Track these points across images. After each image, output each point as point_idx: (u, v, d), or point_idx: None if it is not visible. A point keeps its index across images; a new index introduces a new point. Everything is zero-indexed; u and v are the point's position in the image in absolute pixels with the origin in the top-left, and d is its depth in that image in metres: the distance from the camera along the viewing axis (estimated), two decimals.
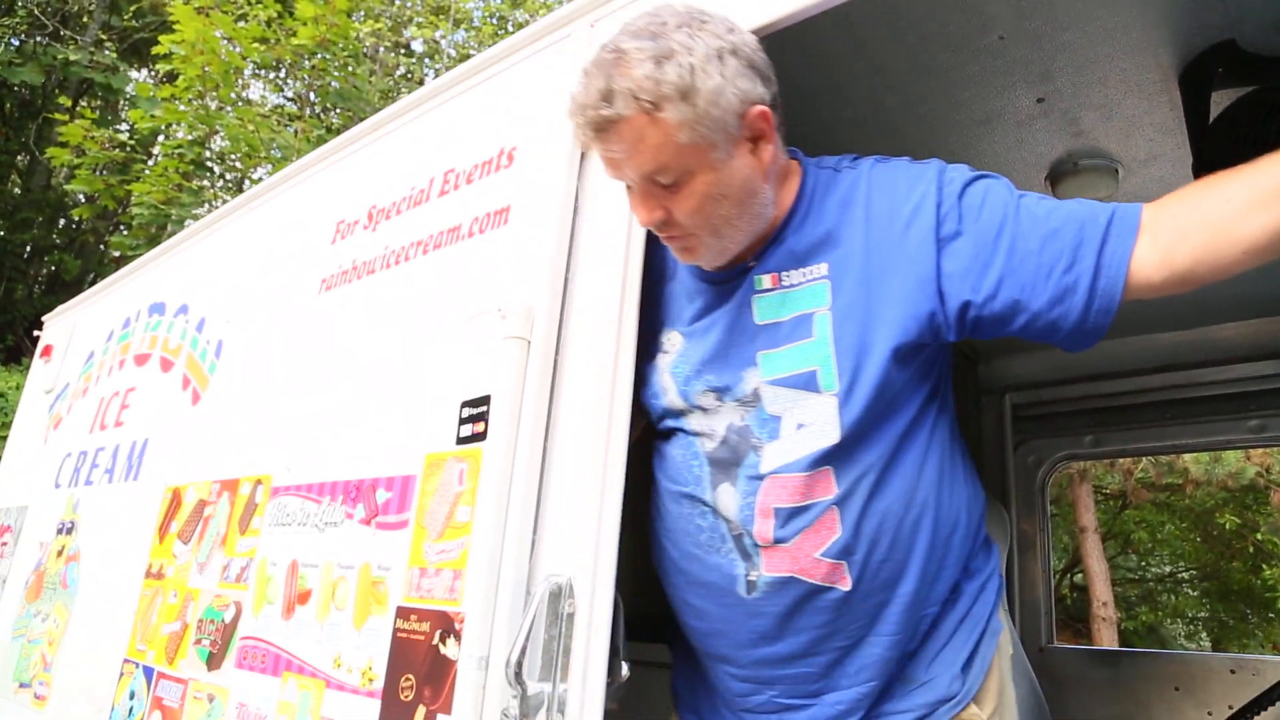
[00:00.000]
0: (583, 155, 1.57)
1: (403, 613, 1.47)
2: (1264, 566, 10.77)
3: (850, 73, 1.90)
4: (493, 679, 1.27)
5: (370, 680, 1.48)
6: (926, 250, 1.24)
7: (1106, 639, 10.20)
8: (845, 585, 1.28)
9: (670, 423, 1.41)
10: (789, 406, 1.28)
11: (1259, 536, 10.19)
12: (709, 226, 1.25)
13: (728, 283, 1.36)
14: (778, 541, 1.27)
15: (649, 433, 1.49)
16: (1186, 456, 8.43)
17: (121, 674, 2.19)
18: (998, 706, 1.41)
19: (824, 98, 2.01)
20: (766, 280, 1.33)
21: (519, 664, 1.20)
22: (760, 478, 1.28)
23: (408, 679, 1.41)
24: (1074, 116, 2.03)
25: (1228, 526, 10.24)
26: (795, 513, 1.26)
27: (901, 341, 1.25)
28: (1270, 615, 10.99)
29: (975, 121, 2.06)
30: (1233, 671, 2.77)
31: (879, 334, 1.25)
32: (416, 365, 1.68)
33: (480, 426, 1.46)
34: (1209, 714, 2.74)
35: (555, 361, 1.44)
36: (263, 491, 1.95)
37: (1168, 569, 13.49)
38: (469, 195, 1.75)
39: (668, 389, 1.40)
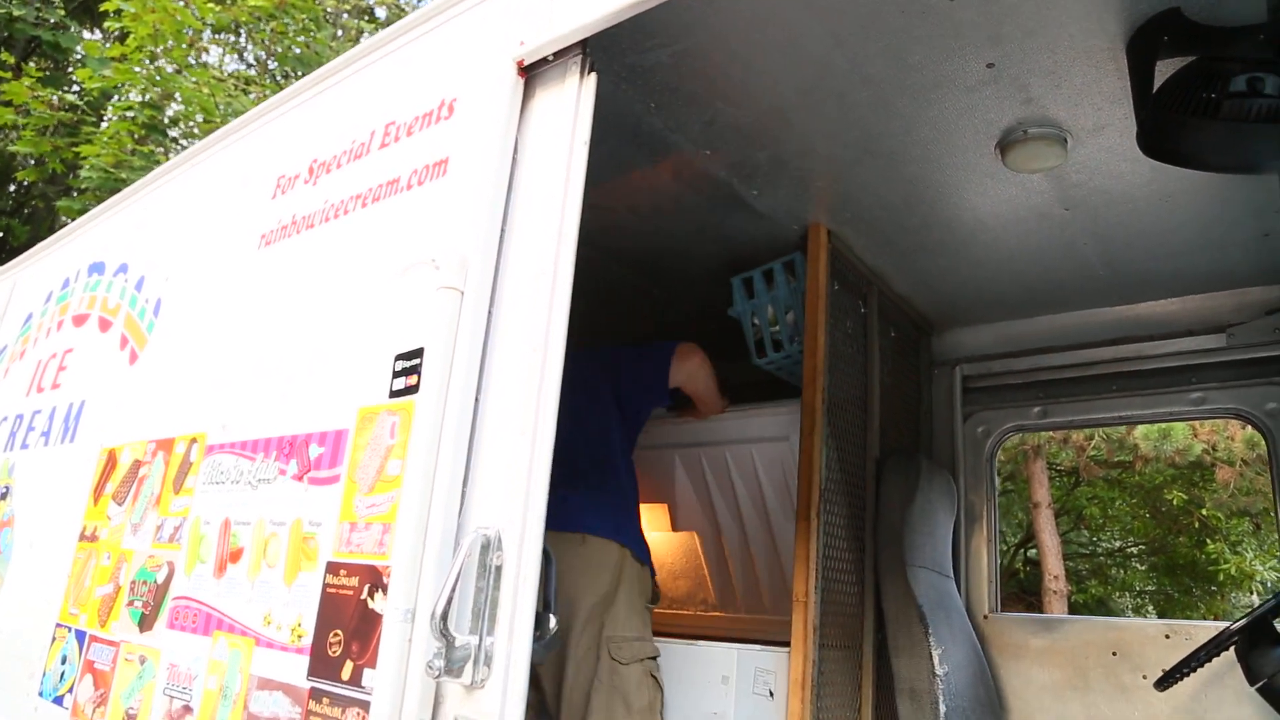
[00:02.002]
0: (523, 105, 1.54)
1: (332, 568, 1.45)
2: (1208, 541, 11.07)
3: (799, 30, 1.88)
4: (419, 632, 1.25)
5: (299, 636, 1.46)
6: None
7: (1057, 612, 10.44)
8: None
9: None
10: None
11: (1204, 512, 10.46)
12: None
13: None
14: None
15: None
16: (1137, 433, 8.61)
17: (54, 639, 2.14)
18: None
19: (774, 57, 1.98)
20: None
21: (444, 616, 1.19)
22: None
23: (336, 634, 1.39)
24: (1023, 83, 2.03)
25: (1175, 502, 10.49)
26: None
27: None
28: (1212, 588, 11.31)
29: (926, 85, 2.05)
30: (1167, 636, 2.84)
31: None
32: (353, 319, 1.65)
33: (413, 379, 1.43)
34: (1144, 677, 2.81)
35: (490, 312, 1.42)
36: (197, 450, 1.90)
37: (1118, 544, 13.82)
38: (409, 147, 1.71)
39: None
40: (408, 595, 1.28)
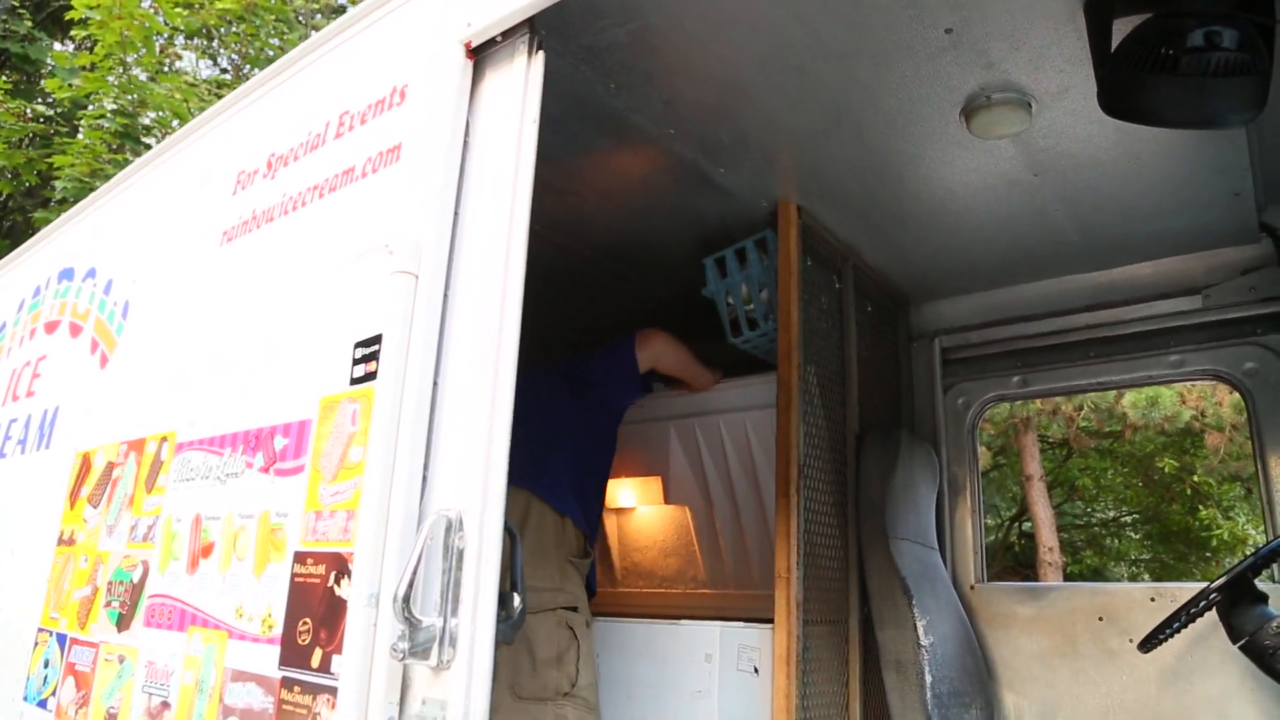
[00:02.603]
0: (473, 87, 1.53)
1: (300, 557, 1.44)
2: (1200, 507, 11.13)
3: (755, 3, 1.87)
4: (384, 616, 1.25)
5: (270, 627, 1.45)
6: None
7: (1053, 583, 10.49)
8: None
9: None
10: None
11: (1195, 479, 10.51)
12: None
13: None
14: None
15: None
16: (1125, 401, 8.64)
17: (36, 643, 2.13)
18: None
19: (730, 31, 1.98)
20: None
21: (406, 599, 1.18)
22: None
23: (305, 623, 1.39)
24: (983, 48, 2.02)
25: (1167, 470, 10.55)
26: None
27: None
28: (1206, 554, 11.38)
29: (886, 54, 2.04)
30: (1152, 600, 2.85)
31: None
32: (313, 310, 1.65)
33: (372, 366, 1.43)
34: (1130, 640, 2.82)
35: (446, 295, 1.42)
36: (168, 449, 1.90)
37: (1111, 514, 13.89)
38: (363, 135, 1.70)
39: None
40: (371, 580, 1.27)
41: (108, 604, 1.91)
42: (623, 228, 2.96)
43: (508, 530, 1.39)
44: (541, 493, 2.47)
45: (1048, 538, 10.97)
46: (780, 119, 2.32)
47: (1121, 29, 1.82)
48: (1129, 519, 13.90)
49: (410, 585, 1.19)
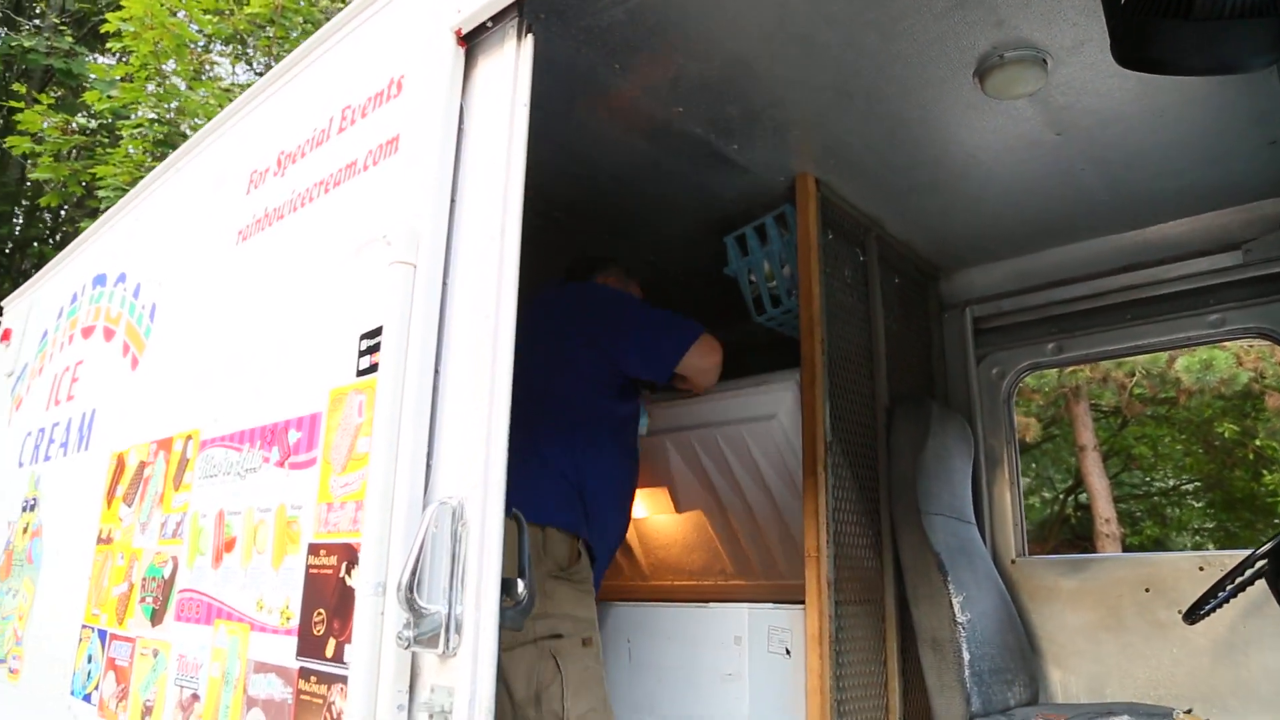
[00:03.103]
0: (466, 74, 1.53)
1: (314, 549, 1.46)
2: (1264, 472, 10.78)
3: None
4: (391, 604, 1.26)
5: (288, 619, 1.48)
6: None
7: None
8: None
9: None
10: None
11: (1258, 442, 10.18)
12: None
13: None
14: None
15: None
16: (1178, 366, 8.38)
17: (80, 639, 2.20)
18: None
19: (730, 5, 1.94)
20: None
21: (410, 586, 1.19)
22: None
23: (319, 613, 1.41)
24: (991, 5, 1.96)
25: (1227, 435, 10.23)
26: None
27: None
28: (1274, 520, 11.03)
29: (891, 18, 1.99)
30: (1201, 569, 2.77)
31: None
32: (321, 304, 1.66)
33: (377, 357, 1.43)
34: (1179, 612, 2.74)
35: (445, 284, 1.42)
36: (193, 446, 1.94)
37: (1171, 482, 13.53)
38: (364, 129, 1.71)
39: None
40: (378, 569, 1.29)
41: (142, 600, 1.96)
42: (639, 209, 2.94)
43: (515, 516, 1.40)
44: (528, 513, 2.11)
45: (1104, 509, 10.73)
46: (789, 91, 2.28)
47: None
48: (1190, 487, 13.52)
49: (414, 574, 1.20)
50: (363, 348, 1.48)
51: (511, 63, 1.46)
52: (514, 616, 1.31)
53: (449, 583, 1.24)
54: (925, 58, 2.13)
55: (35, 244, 11.28)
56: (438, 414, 1.37)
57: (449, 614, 1.23)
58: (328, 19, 8.81)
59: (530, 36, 1.47)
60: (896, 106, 2.33)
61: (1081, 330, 3.14)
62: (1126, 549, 11.68)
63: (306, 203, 1.83)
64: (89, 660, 2.13)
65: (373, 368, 1.44)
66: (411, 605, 1.20)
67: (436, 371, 1.38)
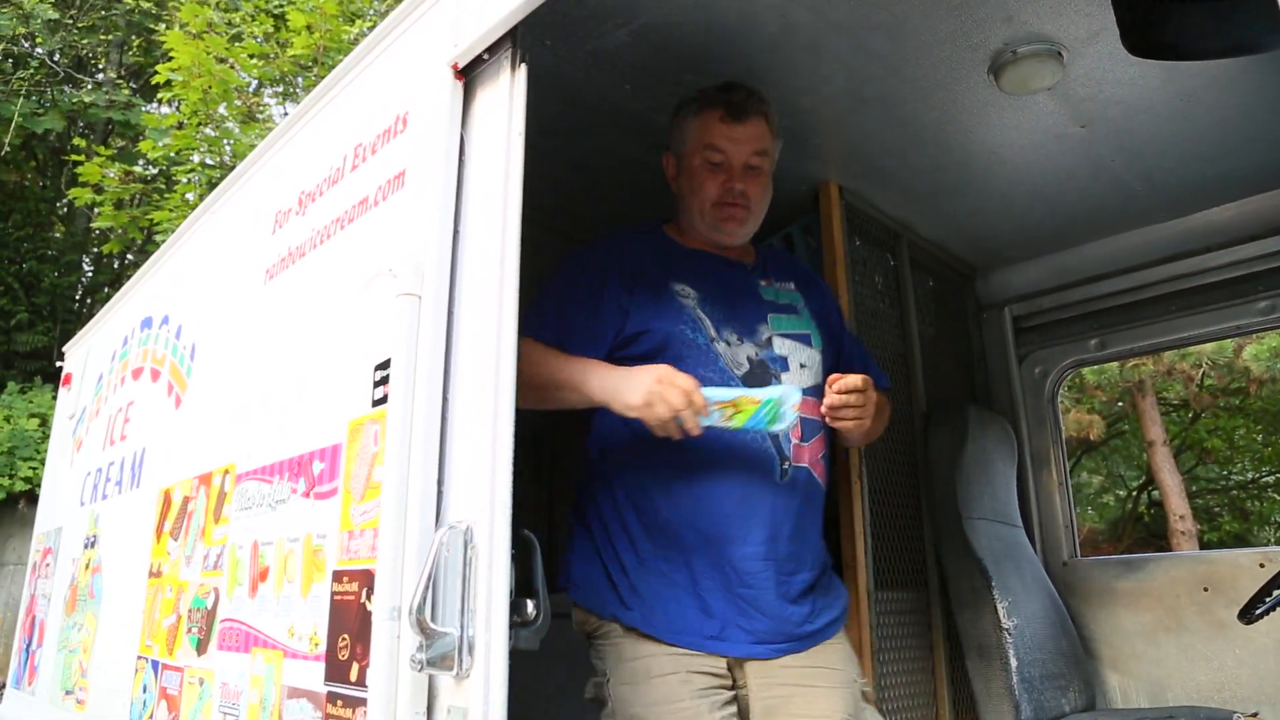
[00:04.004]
0: (465, 109, 1.56)
1: (338, 576, 1.50)
2: None
3: None
4: (406, 628, 1.28)
5: (316, 645, 1.51)
6: (836, 315, 2.15)
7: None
8: (822, 482, 1.90)
9: (695, 348, 1.79)
10: (791, 350, 1.90)
11: None
12: (757, 209, 1.95)
13: (736, 269, 1.98)
14: (803, 440, 1.82)
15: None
16: (1245, 355, 8.07)
17: (136, 670, 2.28)
18: None
19: (733, 19, 1.95)
20: (762, 280, 2.00)
21: (421, 610, 1.22)
22: None
23: (344, 639, 1.44)
24: (999, 1, 1.94)
25: None
26: (812, 424, 1.85)
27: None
28: None
29: (897, 20, 1.98)
30: (1262, 565, 2.66)
31: (831, 338, 2.05)
32: (339, 338, 1.71)
33: (389, 388, 1.47)
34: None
35: (450, 314, 1.44)
36: (230, 480, 2.00)
37: (1250, 475, 12.99)
38: (374, 165, 1.76)
39: (702, 320, 1.83)
40: (392, 594, 1.31)
41: (189, 630, 2.03)
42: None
43: (528, 537, 1.42)
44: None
45: (1178, 505, 10.37)
46: (803, 100, 2.28)
47: None
48: (1271, 479, 12.97)
49: (425, 597, 1.22)
50: (376, 378, 1.52)
51: (507, 93, 1.48)
52: (528, 636, 1.33)
53: (461, 605, 1.26)
54: (936, 58, 2.11)
55: (105, 289, 11.77)
56: (447, 440, 1.39)
57: (461, 636, 1.25)
58: None
59: (524, 66, 1.49)
60: (913, 109, 2.31)
61: (1125, 325, 3.06)
62: (1204, 546, 11.24)
63: (325, 240, 1.88)
64: (144, 690, 2.20)
65: (385, 398, 1.47)
66: (423, 628, 1.22)
67: (445, 399, 1.41)
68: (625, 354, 1.81)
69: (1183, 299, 2.94)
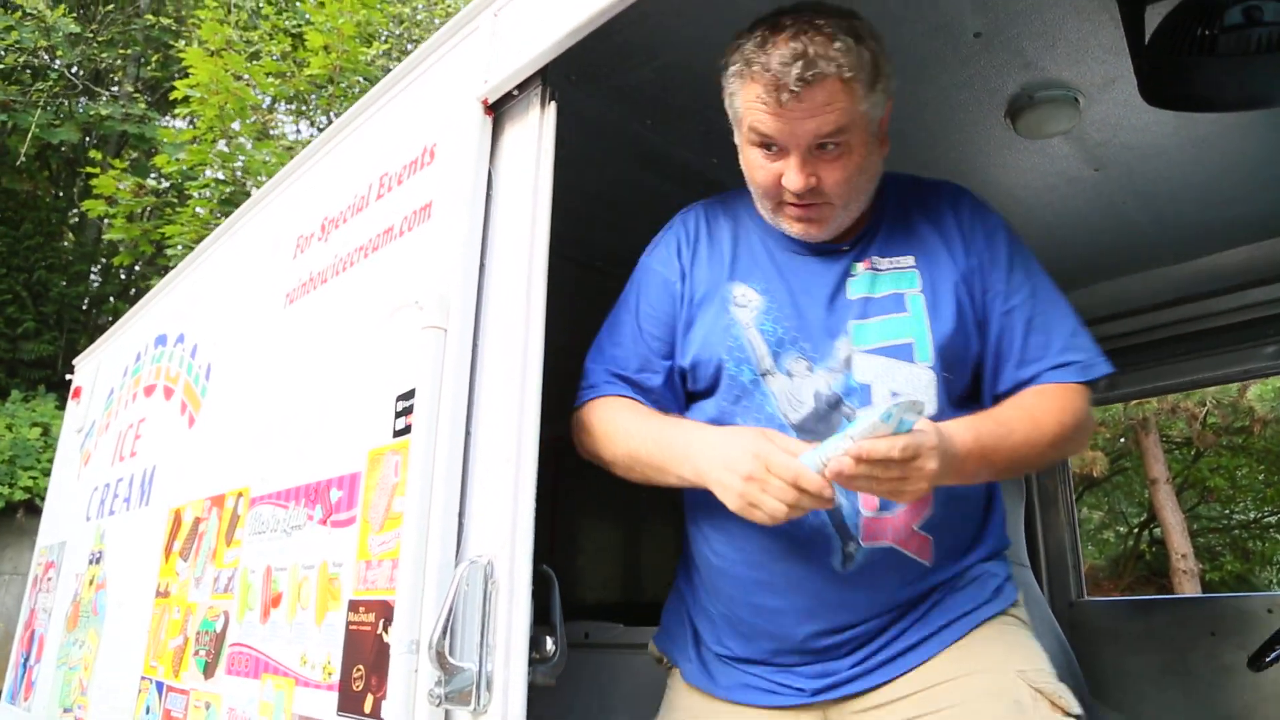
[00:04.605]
0: (493, 143, 1.58)
1: (354, 606, 1.50)
2: None
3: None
4: (424, 662, 1.29)
5: (329, 674, 1.51)
6: (992, 275, 1.47)
7: (1189, 592, 9.84)
8: (928, 560, 1.35)
9: (739, 388, 1.38)
10: (879, 373, 1.34)
11: None
12: (845, 198, 1.36)
13: (821, 256, 1.46)
14: (882, 509, 1.31)
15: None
16: (1250, 395, 8.08)
17: (139, 691, 2.27)
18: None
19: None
20: (860, 265, 1.44)
21: (440, 644, 1.22)
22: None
23: (358, 669, 1.44)
24: (1018, 48, 1.96)
25: None
26: None
27: (969, 329, 1.44)
28: None
29: (916, 64, 2.01)
30: (1269, 611, 2.66)
31: (949, 318, 1.40)
32: (360, 366, 1.72)
33: (411, 419, 1.48)
34: (1247, 657, 2.63)
35: (474, 348, 1.46)
36: (243, 503, 2.01)
37: (1253, 515, 12.95)
38: (400, 196, 1.78)
39: (755, 345, 1.39)
40: (411, 627, 1.31)
41: (196, 652, 2.02)
42: None
43: (546, 572, 1.42)
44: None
45: (1180, 544, 10.33)
46: None
47: (1156, 15, 1.74)
48: (1274, 519, 12.93)
49: (444, 631, 1.23)
50: (398, 409, 1.53)
51: (536, 130, 1.51)
52: (545, 672, 1.33)
53: (480, 640, 1.27)
54: (954, 103, 2.14)
55: (111, 300, 11.81)
56: (469, 474, 1.40)
57: (480, 671, 1.25)
58: (383, 76, 9.15)
59: (554, 104, 1.52)
60: (928, 151, 2.34)
61: (1135, 365, 3.07)
62: (1206, 585, 11.19)
63: (348, 267, 1.90)
64: (147, 712, 2.19)
65: (408, 429, 1.48)
66: (442, 663, 1.22)
67: (468, 432, 1.42)
68: (692, 398, 1.52)
69: (1192, 341, 2.96)
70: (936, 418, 1.26)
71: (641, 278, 1.60)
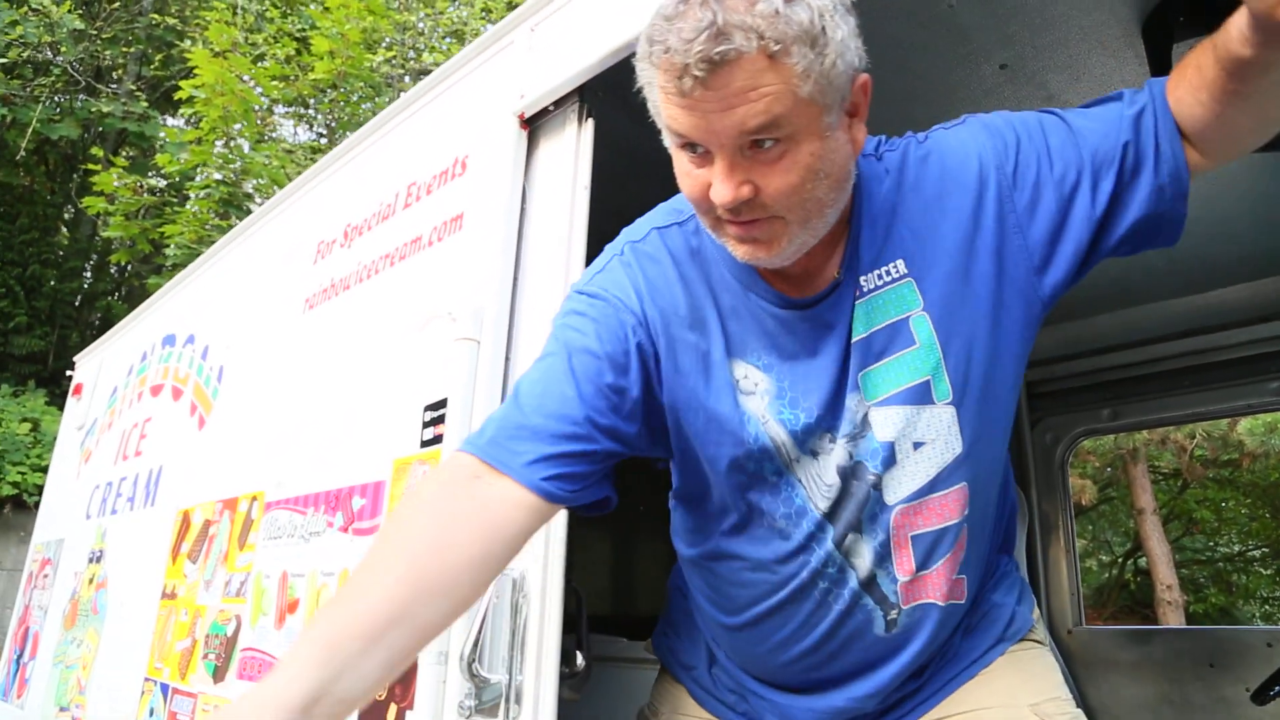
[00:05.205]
0: (528, 156, 1.59)
1: None
2: None
3: None
4: (453, 673, 1.29)
5: None
6: (1008, 223, 1.10)
7: (1173, 623, 9.88)
8: (963, 600, 1.22)
9: (760, 483, 1.15)
10: (902, 426, 1.11)
11: None
12: (799, 211, 0.99)
13: (821, 302, 1.11)
14: (920, 570, 1.15)
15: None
16: (1241, 428, 8.15)
17: (143, 692, 2.26)
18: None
19: None
20: (851, 299, 1.11)
21: (471, 657, 1.22)
22: (888, 509, 1.12)
23: None
24: (1041, 80, 1.99)
25: None
26: (938, 537, 1.14)
27: (1014, 331, 1.13)
28: None
29: (940, 94, 2.03)
30: (1269, 645, 2.67)
31: (981, 326, 1.10)
32: (385, 374, 1.72)
33: (440, 429, 1.48)
34: (1246, 689, 2.64)
35: (507, 360, 1.46)
36: (258, 507, 2.00)
37: (1237, 548, 13.03)
38: (429, 205, 1.79)
39: (777, 440, 1.12)
40: (440, 638, 1.31)
41: (205, 656, 2.01)
42: None
43: (574, 589, 1.42)
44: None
45: (1165, 574, 10.37)
46: None
47: (1182, 51, 1.78)
48: (1257, 553, 13.01)
49: (476, 644, 1.23)
50: (427, 419, 1.53)
51: (573, 146, 1.52)
52: (573, 685, 1.33)
53: (509, 653, 1.27)
54: None
55: (105, 297, 11.74)
56: None
57: (509, 683, 1.25)
58: (386, 83, 9.18)
59: (591, 121, 1.54)
60: None
61: (1138, 396, 3.10)
62: (1190, 617, 11.24)
63: (372, 274, 1.91)
64: (150, 714, 2.18)
65: (437, 439, 1.49)
66: (473, 675, 1.22)
67: None
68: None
69: (1195, 375, 2.98)
70: (957, 467, 1.12)
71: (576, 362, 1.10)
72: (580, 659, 1.32)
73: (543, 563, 1.28)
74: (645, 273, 1.17)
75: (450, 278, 1.63)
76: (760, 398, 1.12)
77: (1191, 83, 1.03)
